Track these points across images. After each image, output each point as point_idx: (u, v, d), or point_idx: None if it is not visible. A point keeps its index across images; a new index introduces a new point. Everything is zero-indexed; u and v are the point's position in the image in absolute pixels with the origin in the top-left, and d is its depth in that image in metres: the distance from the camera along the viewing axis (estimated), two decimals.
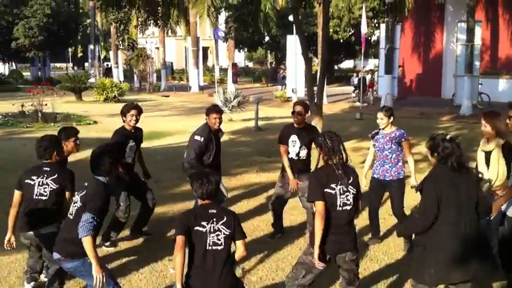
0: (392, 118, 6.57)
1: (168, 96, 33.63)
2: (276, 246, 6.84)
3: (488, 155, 5.73)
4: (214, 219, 4.10)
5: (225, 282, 4.05)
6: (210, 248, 4.05)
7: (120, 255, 6.52)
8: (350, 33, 35.33)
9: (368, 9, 28.60)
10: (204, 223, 4.07)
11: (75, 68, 65.49)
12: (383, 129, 6.60)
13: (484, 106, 21.83)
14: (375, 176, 6.72)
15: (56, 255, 4.62)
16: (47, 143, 5.28)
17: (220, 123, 6.95)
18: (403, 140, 6.54)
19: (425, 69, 29.30)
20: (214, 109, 7.04)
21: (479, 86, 23.24)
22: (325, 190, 4.35)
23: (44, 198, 5.16)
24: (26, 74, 51.86)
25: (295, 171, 6.95)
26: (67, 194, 5.23)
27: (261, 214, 8.17)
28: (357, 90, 26.97)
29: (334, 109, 23.81)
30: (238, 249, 4.15)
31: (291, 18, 25.62)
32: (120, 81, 34.94)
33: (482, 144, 5.85)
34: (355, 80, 28.69)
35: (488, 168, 5.70)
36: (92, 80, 34.74)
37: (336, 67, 46.53)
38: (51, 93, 20.74)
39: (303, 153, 6.96)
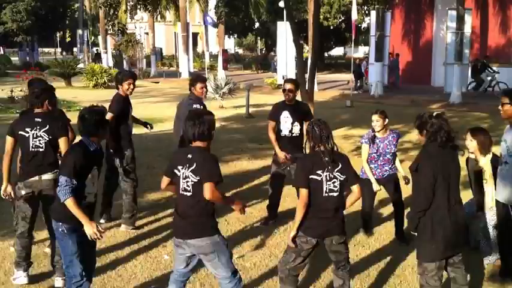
0: (387, 120, 6.54)
1: (158, 82, 33.47)
2: (269, 233, 6.90)
3: (478, 174, 5.82)
4: (187, 165, 4.21)
5: (189, 226, 4.18)
6: (181, 193, 4.23)
7: (114, 243, 6.55)
8: (340, 20, 35.31)
9: None
10: (179, 167, 4.24)
11: (64, 53, 64.95)
12: (378, 131, 6.54)
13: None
14: (375, 178, 6.64)
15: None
16: (39, 90, 5.32)
17: (206, 91, 7.20)
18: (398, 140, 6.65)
19: (415, 57, 29.40)
20: (199, 79, 7.25)
21: (497, 74, 23.24)
22: (311, 176, 4.41)
23: (41, 150, 5.25)
24: (14, 59, 51.37)
25: (288, 149, 6.97)
26: (61, 140, 5.23)
27: (254, 201, 8.22)
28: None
29: (325, 96, 23.84)
30: (203, 191, 4.16)
31: (281, 4, 25.58)
32: (110, 67, 34.70)
33: (471, 165, 5.91)
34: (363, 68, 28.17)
35: (481, 189, 5.83)
36: (81, 65, 34.49)
37: (326, 54, 46.54)
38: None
39: (296, 130, 7.00)
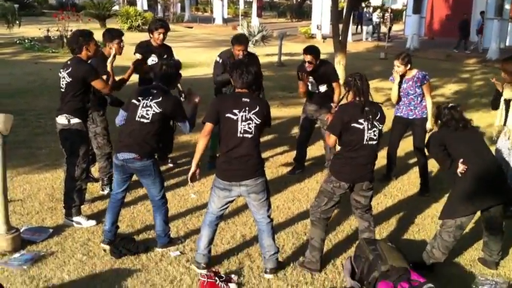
0: (409, 65, 6.52)
1: (191, 27, 33.39)
2: (293, 178, 7.07)
3: (508, 102, 5.81)
4: (247, 108, 4.32)
5: (248, 168, 4.36)
6: (241, 135, 4.31)
7: None
8: None
9: None
10: (235, 111, 4.31)
11: None
12: (402, 76, 6.57)
13: None
14: (399, 114, 6.76)
15: None
16: (76, 38, 5.40)
17: (244, 55, 6.85)
18: (425, 82, 6.55)
19: (454, 11, 28.58)
20: (237, 40, 6.97)
21: None
22: (353, 125, 4.49)
23: (62, 90, 5.42)
24: None
25: (318, 103, 7.07)
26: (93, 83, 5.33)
27: (281, 147, 8.37)
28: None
29: (358, 48, 23.57)
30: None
31: None
32: (144, 10, 34.68)
33: (505, 92, 5.91)
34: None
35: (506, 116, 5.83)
36: (116, 7, 34.52)
37: (363, 4, 45.49)
38: (76, 19, 20.84)
39: (323, 88, 7.04)
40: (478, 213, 4.83)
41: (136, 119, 4.71)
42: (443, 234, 4.64)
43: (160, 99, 4.71)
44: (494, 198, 4.63)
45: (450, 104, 4.87)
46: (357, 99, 4.55)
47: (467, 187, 4.56)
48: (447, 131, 4.76)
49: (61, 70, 5.39)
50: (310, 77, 6.99)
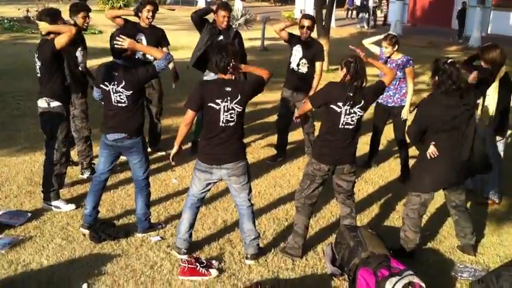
0: (397, 46, 6.55)
1: (173, 9, 32.49)
2: (275, 164, 7.06)
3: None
4: (229, 98, 4.27)
5: (229, 152, 4.39)
6: (223, 125, 4.30)
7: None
8: None
9: None
10: (218, 101, 4.26)
11: None
12: (389, 57, 6.62)
13: None
14: (379, 101, 6.78)
15: None
16: (42, 18, 5.25)
17: (228, 22, 6.94)
18: (408, 66, 6.56)
19: None
20: (222, 6, 6.97)
21: None
22: (331, 106, 4.48)
23: (38, 75, 5.35)
24: None
25: (293, 86, 7.02)
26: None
27: (263, 132, 8.34)
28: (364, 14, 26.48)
29: (342, 34, 23.50)
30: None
31: None
32: None
33: None
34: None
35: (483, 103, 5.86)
36: None
37: None
38: None
39: (303, 68, 6.94)
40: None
41: (114, 103, 4.70)
42: (409, 212, 4.72)
43: (124, 82, 4.63)
44: (456, 180, 4.73)
45: (450, 59, 4.58)
46: (351, 81, 4.48)
47: (435, 168, 4.58)
48: (437, 105, 4.52)
49: (34, 55, 5.33)
50: (298, 45, 6.91)
